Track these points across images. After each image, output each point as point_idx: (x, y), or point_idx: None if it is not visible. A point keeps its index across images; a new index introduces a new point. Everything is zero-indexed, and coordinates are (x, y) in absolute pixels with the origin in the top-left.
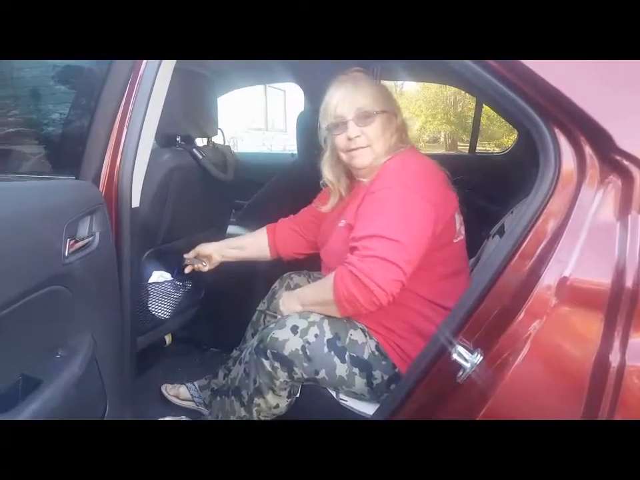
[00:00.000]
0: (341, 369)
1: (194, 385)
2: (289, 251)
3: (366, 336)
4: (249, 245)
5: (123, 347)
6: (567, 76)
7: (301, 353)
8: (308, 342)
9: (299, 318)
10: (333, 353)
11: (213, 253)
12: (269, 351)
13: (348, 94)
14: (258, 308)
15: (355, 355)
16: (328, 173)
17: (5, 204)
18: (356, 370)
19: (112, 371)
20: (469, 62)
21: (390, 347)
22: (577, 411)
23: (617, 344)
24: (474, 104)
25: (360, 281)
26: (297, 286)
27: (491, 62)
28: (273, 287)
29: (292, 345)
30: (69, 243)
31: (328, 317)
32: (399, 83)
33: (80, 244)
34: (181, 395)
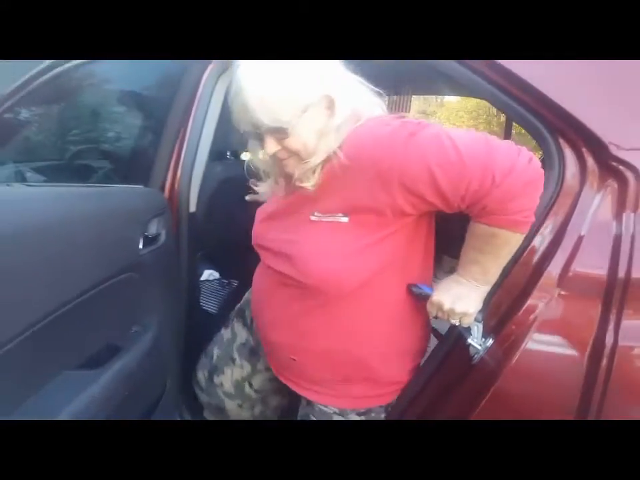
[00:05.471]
0: None
1: None
2: None
3: None
4: None
5: (179, 330)
6: (571, 92)
7: None
8: None
9: None
10: None
11: None
12: None
13: (256, 102)
14: (240, 341)
15: None
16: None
17: (92, 205)
18: None
19: (171, 349)
20: (479, 78)
21: None
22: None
23: (611, 326)
24: None
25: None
26: None
27: (500, 79)
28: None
29: None
30: (143, 238)
31: None
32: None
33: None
34: None
